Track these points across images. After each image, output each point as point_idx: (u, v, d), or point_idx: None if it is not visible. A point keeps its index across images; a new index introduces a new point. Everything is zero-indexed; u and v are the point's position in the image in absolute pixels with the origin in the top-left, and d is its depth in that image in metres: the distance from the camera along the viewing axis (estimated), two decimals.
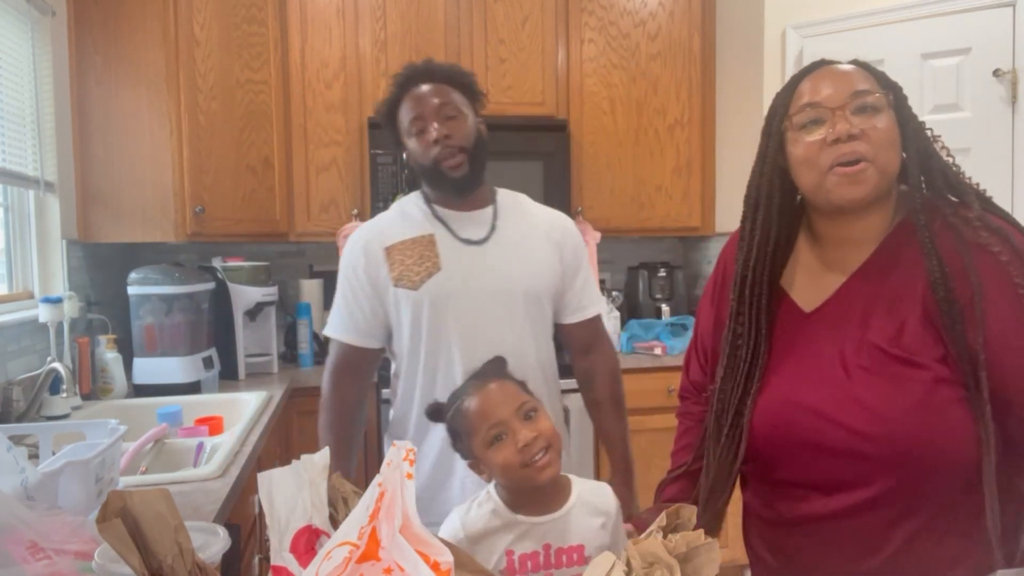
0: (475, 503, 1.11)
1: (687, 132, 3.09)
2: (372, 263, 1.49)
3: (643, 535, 0.69)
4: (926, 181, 1.03)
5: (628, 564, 0.66)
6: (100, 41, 2.38)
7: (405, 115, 1.47)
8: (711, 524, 1.13)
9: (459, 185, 1.46)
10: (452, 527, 1.09)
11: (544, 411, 1.09)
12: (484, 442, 1.06)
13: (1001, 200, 1.04)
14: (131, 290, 2.36)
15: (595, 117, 3.03)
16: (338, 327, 1.53)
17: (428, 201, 1.54)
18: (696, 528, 0.69)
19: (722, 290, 1.18)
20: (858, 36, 2.55)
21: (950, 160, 1.03)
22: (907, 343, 0.95)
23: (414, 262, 1.46)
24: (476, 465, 1.11)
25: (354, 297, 1.50)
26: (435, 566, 0.61)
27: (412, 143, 1.47)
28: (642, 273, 3.25)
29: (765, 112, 1.08)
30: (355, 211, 2.83)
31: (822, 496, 1.02)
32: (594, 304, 1.60)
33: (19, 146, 2.11)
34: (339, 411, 1.53)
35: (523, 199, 1.61)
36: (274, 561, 0.77)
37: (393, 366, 1.60)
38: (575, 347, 1.63)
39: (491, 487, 1.12)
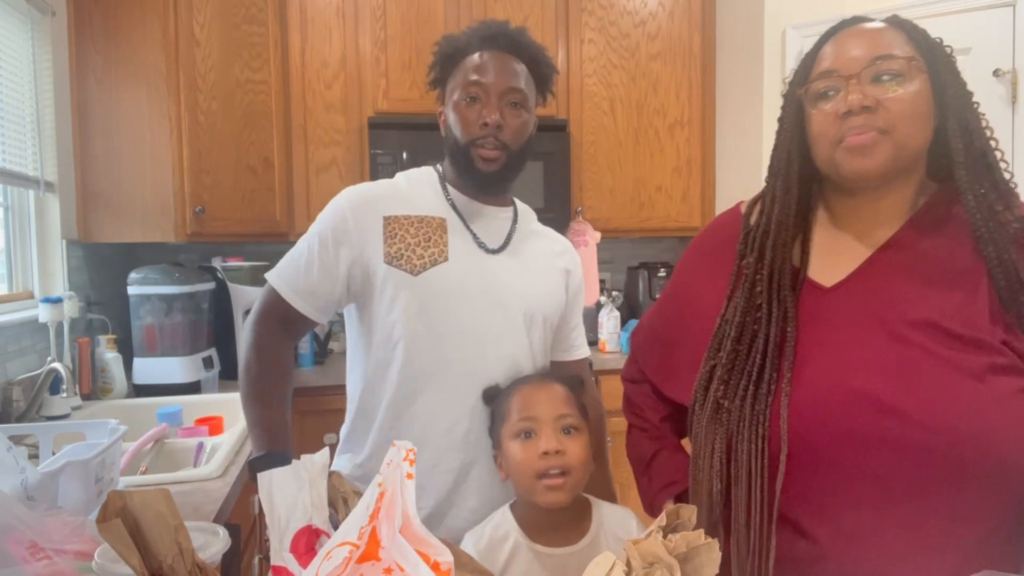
0: (490, 525, 1.07)
1: (687, 132, 3.09)
2: (361, 227, 1.23)
3: (643, 535, 0.69)
4: (965, 162, 0.90)
5: (628, 564, 0.66)
6: (100, 41, 2.38)
7: (464, 72, 1.23)
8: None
9: (483, 181, 1.26)
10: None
11: (584, 439, 1.03)
12: (512, 432, 1.04)
13: None
14: (131, 290, 2.36)
15: (595, 117, 3.03)
16: (283, 277, 1.26)
17: (443, 181, 1.32)
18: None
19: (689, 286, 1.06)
20: None
21: (993, 144, 0.93)
22: (971, 320, 0.84)
23: (417, 243, 1.23)
24: (497, 458, 1.09)
25: (319, 255, 1.24)
26: (435, 566, 0.61)
27: (455, 106, 1.24)
28: (642, 273, 3.25)
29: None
30: None
31: (871, 514, 0.85)
32: (584, 346, 1.46)
33: (19, 146, 2.11)
34: (267, 375, 1.24)
35: (533, 214, 1.43)
36: (274, 561, 0.77)
37: (350, 358, 1.33)
38: None
39: (507, 508, 1.08)
